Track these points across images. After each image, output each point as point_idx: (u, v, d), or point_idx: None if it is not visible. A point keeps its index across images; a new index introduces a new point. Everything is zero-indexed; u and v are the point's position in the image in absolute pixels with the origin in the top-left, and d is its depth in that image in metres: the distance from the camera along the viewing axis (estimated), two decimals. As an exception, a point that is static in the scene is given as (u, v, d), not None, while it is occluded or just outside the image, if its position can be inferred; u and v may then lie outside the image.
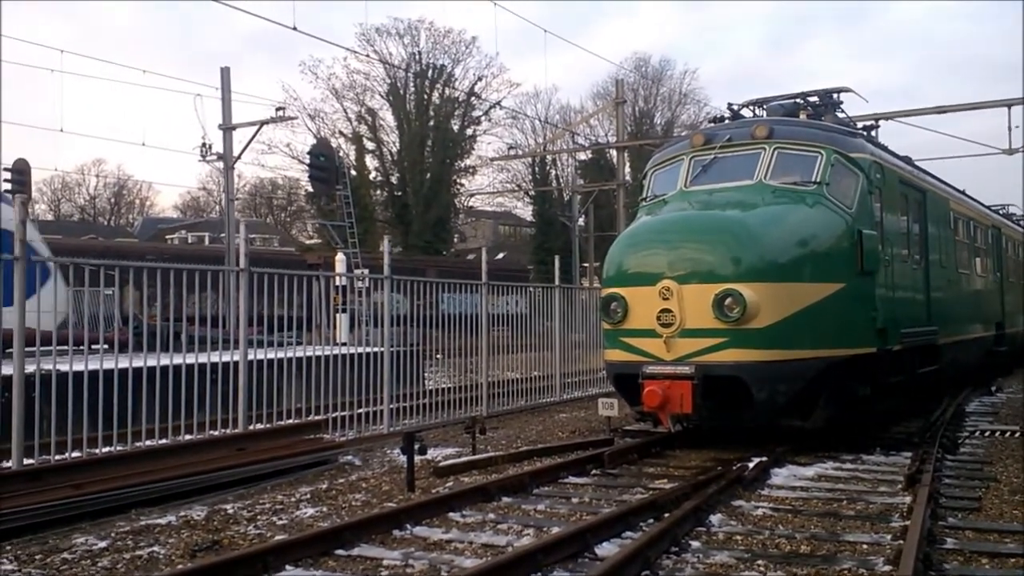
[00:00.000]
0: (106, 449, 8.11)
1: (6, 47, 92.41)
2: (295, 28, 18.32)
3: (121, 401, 8.18)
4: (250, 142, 29.87)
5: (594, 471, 8.45)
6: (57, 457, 7.78)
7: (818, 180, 9.44)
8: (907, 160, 12.28)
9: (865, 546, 5.78)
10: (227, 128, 28.40)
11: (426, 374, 14.08)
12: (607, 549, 5.67)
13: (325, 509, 7.03)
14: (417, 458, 7.96)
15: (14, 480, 6.88)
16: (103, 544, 5.94)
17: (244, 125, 29.00)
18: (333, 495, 7.57)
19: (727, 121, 11.32)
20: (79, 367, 7.97)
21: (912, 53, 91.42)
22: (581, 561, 5.47)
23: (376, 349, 11.37)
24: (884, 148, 11.25)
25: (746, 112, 11.84)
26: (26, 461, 7.51)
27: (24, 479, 6.92)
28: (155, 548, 5.85)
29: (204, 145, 28.09)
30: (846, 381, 9.26)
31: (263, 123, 29.29)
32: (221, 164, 29.04)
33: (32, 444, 7.68)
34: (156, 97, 73.77)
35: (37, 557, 5.66)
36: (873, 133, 12.26)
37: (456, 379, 13.65)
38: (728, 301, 8.45)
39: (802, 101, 11.81)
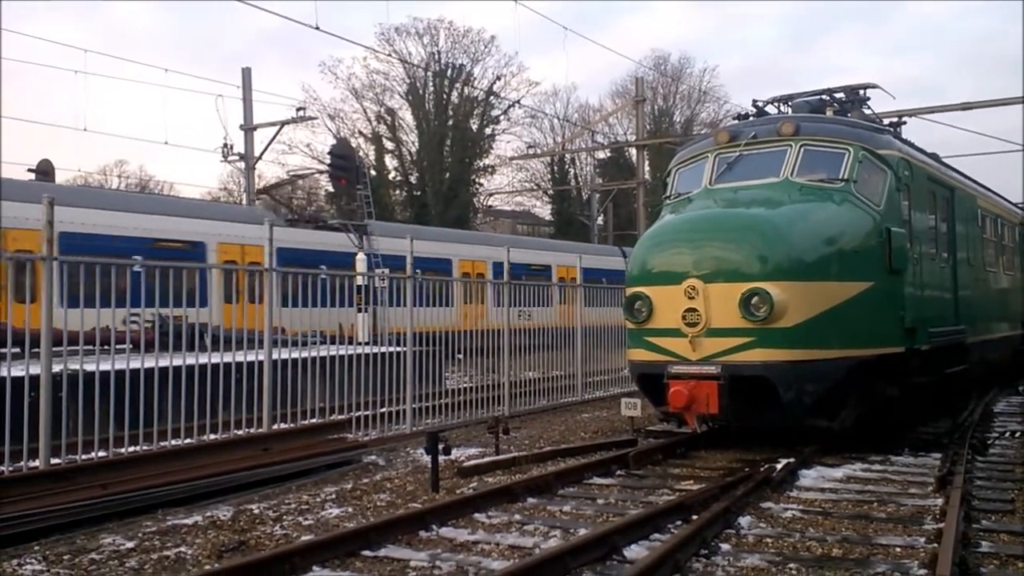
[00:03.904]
0: (132, 449, 8.13)
1: (31, 48, 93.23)
2: (317, 27, 18.34)
3: (147, 400, 8.20)
4: (271, 142, 30.12)
5: (619, 472, 8.39)
6: (84, 457, 7.80)
7: (845, 177, 9.33)
8: (934, 157, 12.13)
9: (899, 549, 5.69)
10: (248, 128, 28.60)
11: (446, 374, 14.06)
12: (635, 551, 5.62)
13: (350, 509, 7.01)
14: (441, 458, 7.93)
15: (42, 480, 6.91)
16: (130, 544, 5.95)
17: (265, 125, 29.23)
18: (358, 495, 7.55)
19: (752, 118, 11.22)
20: (105, 367, 7.99)
21: (938, 49, 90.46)
22: (609, 564, 5.42)
23: (398, 349, 11.36)
24: (911, 144, 11.11)
25: (771, 109, 11.75)
26: (53, 461, 7.55)
27: (52, 479, 6.94)
28: (182, 548, 5.85)
29: (226, 145, 28.31)
30: (874, 381, 9.15)
31: (284, 123, 29.50)
32: (242, 164, 29.24)
33: (59, 444, 7.72)
34: (178, 97, 74.11)
35: (65, 557, 5.68)
36: (899, 130, 12.11)
37: (477, 379, 13.61)
38: (755, 300, 8.36)
39: (828, 97, 11.69)
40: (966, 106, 23.25)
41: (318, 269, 11.83)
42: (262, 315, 9.69)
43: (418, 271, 11.80)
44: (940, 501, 6.86)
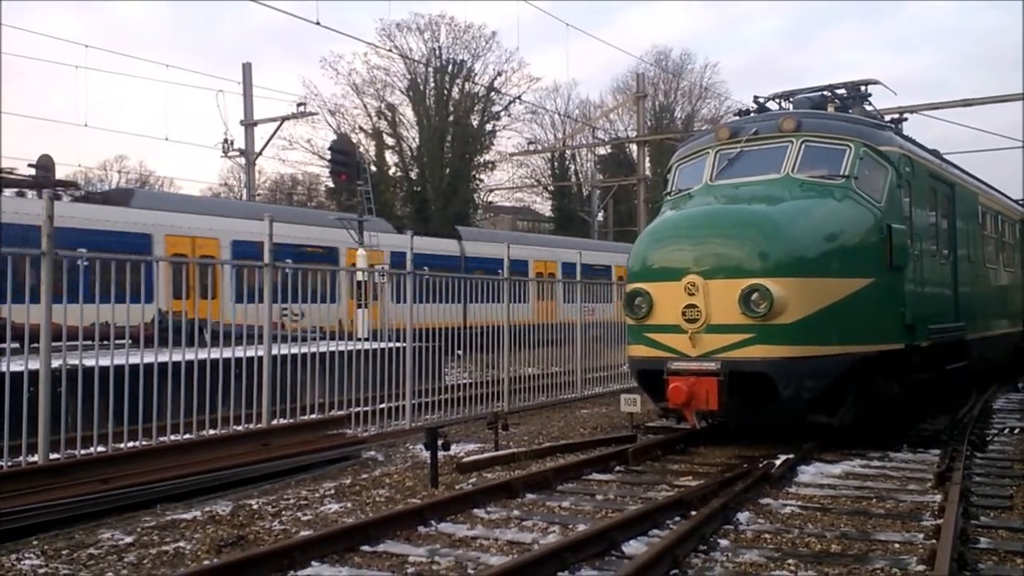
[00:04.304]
0: (131, 444, 8.13)
1: (31, 43, 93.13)
2: (318, 23, 18.31)
3: (146, 396, 8.20)
4: (271, 138, 30.14)
5: (618, 468, 8.39)
6: (83, 452, 7.80)
7: (846, 174, 9.32)
8: (935, 153, 12.11)
9: (897, 545, 5.69)
10: (249, 124, 28.58)
11: (444, 370, 14.06)
12: (634, 547, 5.61)
13: (349, 505, 7.01)
14: (440, 454, 7.93)
15: (41, 475, 6.91)
16: (129, 539, 5.95)
17: (265, 121, 29.22)
18: (357, 491, 7.55)
19: (753, 114, 11.20)
20: (104, 362, 7.99)
21: (941, 46, 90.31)
22: (608, 559, 5.42)
23: (398, 344, 11.36)
24: (912, 141, 11.09)
25: (772, 105, 11.72)
26: (52, 456, 7.54)
27: (51, 474, 6.94)
28: (181, 543, 5.85)
29: (226, 141, 28.30)
30: (874, 378, 9.14)
31: (284, 119, 29.49)
32: (243, 159, 29.23)
33: (58, 439, 7.71)
34: (179, 92, 73.65)
35: (64, 552, 5.68)
36: (900, 126, 12.08)
37: (476, 375, 13.60)
38: (755, 296, 8.35)
39: (829, 94, 11.67)
40: (967, 102, 23.26)
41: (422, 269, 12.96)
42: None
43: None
44: (939, 497, 6.85)
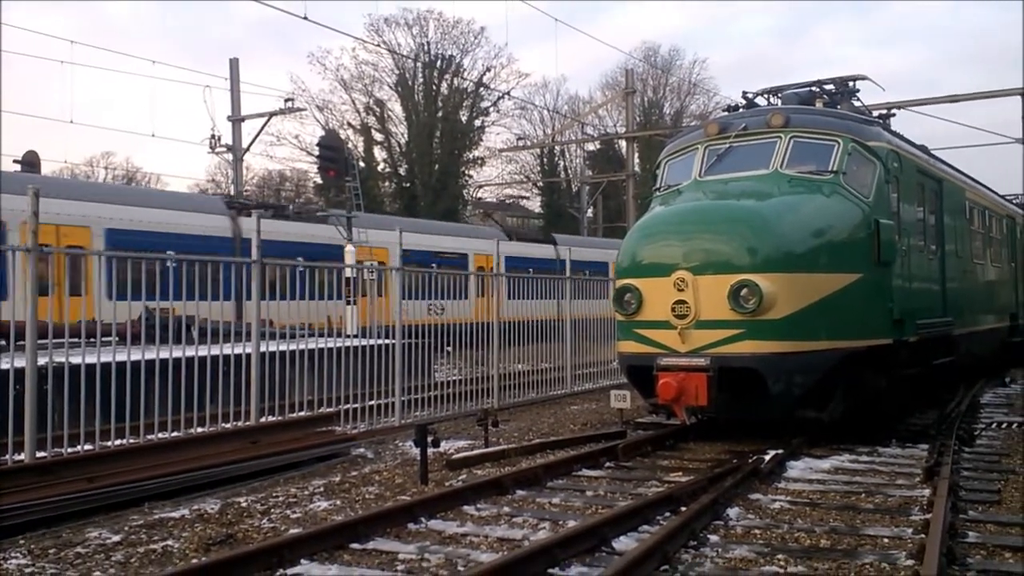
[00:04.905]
0: (119, 442, 8.08)
1: (15, 38, 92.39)
2: (305, 17, 18.22)
3: (133, 394, 8.14)
4: (259, 133, 30.04)
5: (608, 464, 8.39)
6: (70, 450, 7.74)
7: (835, 169, 9.33)
8: (923, 149, 12.15)
9: (886, 540, 5.71)
10: (236, 120, 28.43)
11: (434, 367, 14.03)
12: (624, 543, 5.62)
13: (339, 502, 6.99)
14: (430, 451, 7.91)
15: (27, 474, 6.85)
16: (117, 538, 5.91)
17: (253, 116, 29.07)
18: (346, 488, 7.53)
19: (742, 110, 11.21)
20: (91, 359, 7.93)
21: (933, 42, 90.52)
22: (598, 555, 5.42)
23: (387, 341, 11.32)
24: (900, 136, 11.13)
25: (761, 101, 11.72)
26: (39, 454, 7.49)
27: (37, 472, 6.89)
28: (169, 542, 5.82)
29: (213, 136, 28.14)
30: (862, 373, 9.17)
31: (272, 114, 29.35)
32: (230, 155, 29.08)
33: (45, 437, 7.66)
34: (165, 88, 72.66)
35: (51, 551, 5.64)
36: (888, 122, 12.12)
37: (466, 371, 13.58)
38: (744, 292, 8.36)
39: (818, 89, 11.68)
40: (953, 98, 23.39)
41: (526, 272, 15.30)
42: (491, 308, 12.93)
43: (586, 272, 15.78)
44: (927, 492, 6.89)
